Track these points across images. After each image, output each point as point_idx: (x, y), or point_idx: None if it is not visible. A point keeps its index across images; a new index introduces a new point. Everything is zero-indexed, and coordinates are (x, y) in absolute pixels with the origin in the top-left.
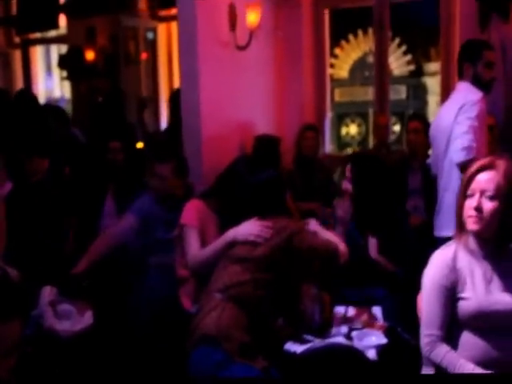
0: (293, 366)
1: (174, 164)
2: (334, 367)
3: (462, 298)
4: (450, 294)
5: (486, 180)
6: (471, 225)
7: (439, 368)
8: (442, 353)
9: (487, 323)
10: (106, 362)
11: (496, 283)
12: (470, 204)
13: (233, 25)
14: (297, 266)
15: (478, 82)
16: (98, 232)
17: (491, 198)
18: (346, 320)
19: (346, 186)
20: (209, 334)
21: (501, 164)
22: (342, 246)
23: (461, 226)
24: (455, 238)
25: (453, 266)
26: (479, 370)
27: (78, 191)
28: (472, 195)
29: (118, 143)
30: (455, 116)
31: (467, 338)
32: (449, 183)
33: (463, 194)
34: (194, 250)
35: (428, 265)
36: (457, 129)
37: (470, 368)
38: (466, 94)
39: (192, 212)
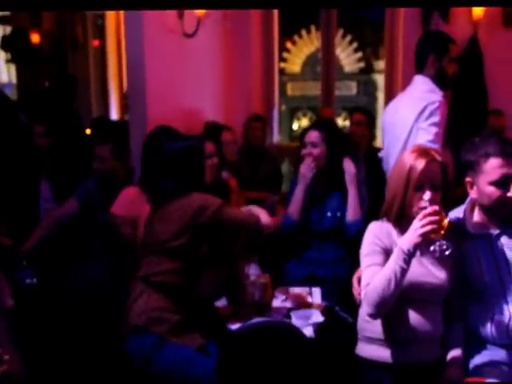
0: (229, 341)
1: (112, 145)
2: (270, 342)
3: None
4: (386, 255)
5: (434, 173)
6: None
7: (383, 308)
8: (372, 283)
9: (420, 295)
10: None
11: (428, 257)
12: (422, 196)
13: (180, 12)
14: (222, 242)
15: (440, 78)
16: (36, 216)
17: (437, 189)
18: (286, 300)
19: (309, 150)
20: (139, 323)
21: (436, 155)
22: (265, 218)
23: (400, 215)
24: (388, 220)
25: (388, 233)
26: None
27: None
28: (421, 187)
29: (41, 127)
30: (416, 117)
31: (405, 313)
32: None
33: (408, 185)
34: None
35: (365, 232)
36: (422, 136)
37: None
38: (428, 94)
39: (122, 201)
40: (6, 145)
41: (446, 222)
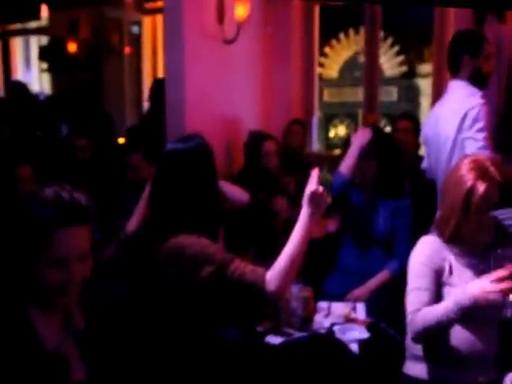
0: (272, 356)
1: (143, 151)
2: (314, 357)
3: (449, 284)
4: (436, 276)
5: (494, 196)
6: (486, 237)
7: (426, 338)
8: (421, 313)
9: (475, 313)
10: None
11: (486, 272)
12: (480, 218)
13: (220, 18)
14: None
15: (476, 77)
16: None
17: (492, 209)
18: (328, 315)
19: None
20: None
21: (495, 174)
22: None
23: (455, 235)
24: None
25: (439, 250)
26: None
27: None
28: (482, 211)
29: (83, 140)
30: (458, 127)
31: (455, 331)
32: None
33: (467, 209)
34: None
35: (415, 249)
36: (471, 145)
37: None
38: (467, 99)
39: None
40: (48, 158)
41: None
